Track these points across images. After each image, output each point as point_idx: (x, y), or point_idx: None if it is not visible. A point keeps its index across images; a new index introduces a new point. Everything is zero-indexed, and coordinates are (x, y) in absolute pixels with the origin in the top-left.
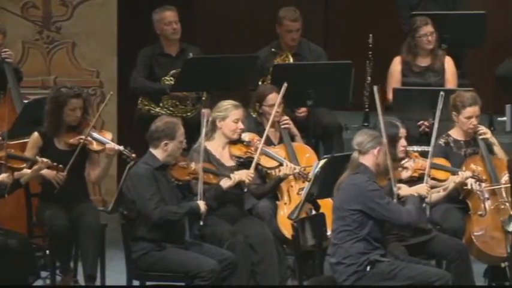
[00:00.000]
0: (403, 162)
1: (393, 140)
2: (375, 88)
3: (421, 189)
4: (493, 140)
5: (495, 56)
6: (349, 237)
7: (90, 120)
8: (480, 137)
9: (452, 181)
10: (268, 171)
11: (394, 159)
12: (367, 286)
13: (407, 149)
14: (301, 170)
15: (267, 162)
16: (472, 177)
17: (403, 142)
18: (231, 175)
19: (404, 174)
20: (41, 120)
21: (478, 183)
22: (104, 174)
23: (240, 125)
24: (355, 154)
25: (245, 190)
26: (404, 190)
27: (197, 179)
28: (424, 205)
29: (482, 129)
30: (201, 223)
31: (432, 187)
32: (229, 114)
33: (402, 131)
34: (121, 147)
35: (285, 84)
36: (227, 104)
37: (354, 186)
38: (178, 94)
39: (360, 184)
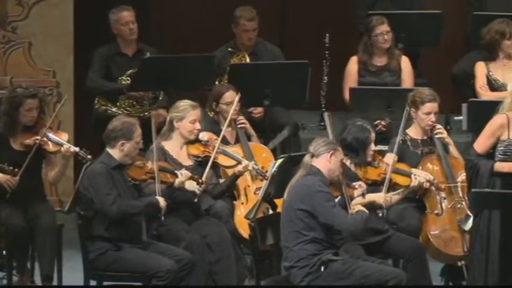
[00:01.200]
0: (354, 183)
1: (364, 145)
2: (326, 115)
3: (378, 197)
4: (448, 140)
5: (451, 55)
6: (299, 239)
7: (47, 121)
8: (437, 136)
9: (409, 186)
10: (226, 170)
11: (362, 163)
12: (322, 286)
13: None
14: (259, 168)
15: (224, 161)
16: (431, 185)
17: (372, 146)
18: (182, 171)
19: (357, 193)
20: None
21: (436, 190)
22: (61, 174)
23: (197, 126)
24: (307, 157)
25: (195, 200)
26: (358, 207)
27: (154, 179)
28: (380, 214)
29: (440, 128)
30: (162, 218)
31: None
32: (186, 115)
33: (373, 136)
34: (77, 149)
35: (239, 95)
36: (184, 104)
37: (303, 186)
38: (135, 94)
39: (310, 185)
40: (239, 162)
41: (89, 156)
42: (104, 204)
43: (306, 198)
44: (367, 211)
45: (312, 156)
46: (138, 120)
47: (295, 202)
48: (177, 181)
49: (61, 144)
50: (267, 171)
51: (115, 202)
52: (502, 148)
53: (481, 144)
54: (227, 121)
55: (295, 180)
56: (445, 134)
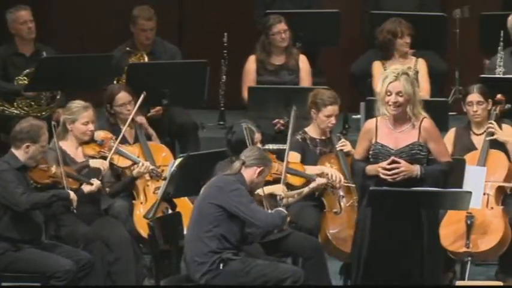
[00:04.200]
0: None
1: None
2: (293, 110)
3: (277, 188)
4: (350, 152)
5: (349, 54)
6: (204, 234)
7: None
8: (339, 148)
9: (307, 187)
10: (124, 170)
11: None
12: (220, 286)
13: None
14: (155, 168)
15: (121, 162)
16: (326, 184)
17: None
18: (94, 180)
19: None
20: None
21: (332, 189)
22: None
23: (90, 127)
24: (237, 163)
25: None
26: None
27: (57, 182)
28: (281, 204)
29: (342, 141)
30: (74, 211)
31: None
32: (78, 117)
33: (257, 136)
34: None
35: (144, 93)
36: (76, 106)
37: (221, 182)
38: (32, 94)
39: (227, 182)
40: (136, 163)
41: None
42: (14, 196)
43: (222, 194)
44: (285, 211)
45: (243, 163)
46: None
47: (209, 196)
48: (87, 188)
49: None
50: (163, 172)
51: (25, 193)
52: (371, 152)
53: (357, 149)
54: (125, 126)
55: (216, 177)
56: (348, 147)
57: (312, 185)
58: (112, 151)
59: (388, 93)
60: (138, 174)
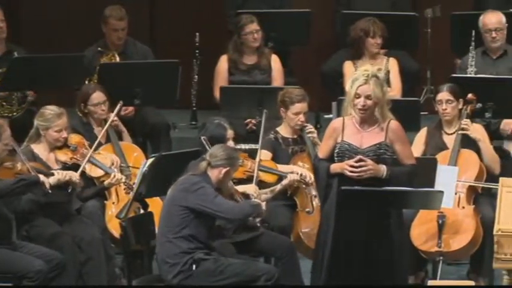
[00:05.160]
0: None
1: (221, 142)
2: (264, 112)
3: (249, 188)
4: (317, 140)
5: (321, 54)
6: (174, 235)
7: None
8: (308, 135)
9: (280, 184)
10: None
11: None
12: (194, 286)
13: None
14: (127, 181)
15: (93, 172)
16: (299, 180)
17: (231, 143)
18: (58, 171)
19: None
20: None
21: (305, 186)
22: None
23: (63, 134)
24: (204, 163)
25: (69, 190)
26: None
27: None
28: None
29: (309, 127)
30: (50, 191)
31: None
32: (51, 125)
33: (230, 133)
34: None
35: (121, 102)
36: (50, 112)
37: (184, 184)
38: (3, 94)
39: (191, 183)
40: (108, 174)
41: None
42: None
43: (187, 194)
44: (257, 200)
45: (208, 164)
46: (7, 121)
47: (176, 198)
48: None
49: None
50: (133, 183)
51: None
52: (336, 150)
53: (321, 147)
54: (103, 130)
55: (181, 178)
56: (315, 134)
57: (284, 181)
58: (85, 161)
59: (357, 96)
60: (109, 185)
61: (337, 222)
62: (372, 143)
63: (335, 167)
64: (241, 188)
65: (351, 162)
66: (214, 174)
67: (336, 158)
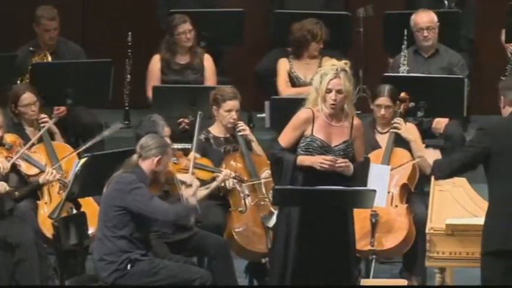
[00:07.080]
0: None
1: None
2: (199, 114)
3: (185, 177)
4: (251, 137)
5: (254, 54)
6: (112, 234)
7: None
8: (239, 133)
9: (216, 180)
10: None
11: None
12: (127, 286)
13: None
14: (62, 176)
15: (28, 169)
16: (234, 177)
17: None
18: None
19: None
20: None
21: (239, 183)
22: None
23: None
24: (135, 156)
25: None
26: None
27: None
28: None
29: (242, 125)
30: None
31: None
32: None
33: (166, 130)
34: None
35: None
36: None
37: (119, 183)
38: None
39: (126, 182)
40: (42, 170)
41: None
42: None
43: (121, 195)
44: (194, 201)
45: (139, 156)
46: None
47: (112, 199)
48: None
49: None
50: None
51: None
52: (303, 144)
53: (285, 137)
54: (41, 133)
55: (116, 175)
56: (247, 131)
57: (220, 177)
58: (17, 156)
59: (328, 91)
60: (44, 182)
61: (301, 220)
62: (341, 141)
63: (304, 159)
64: (179, 176)
65: (328, 157)
66: (147, 165)
67: (301, 151)
